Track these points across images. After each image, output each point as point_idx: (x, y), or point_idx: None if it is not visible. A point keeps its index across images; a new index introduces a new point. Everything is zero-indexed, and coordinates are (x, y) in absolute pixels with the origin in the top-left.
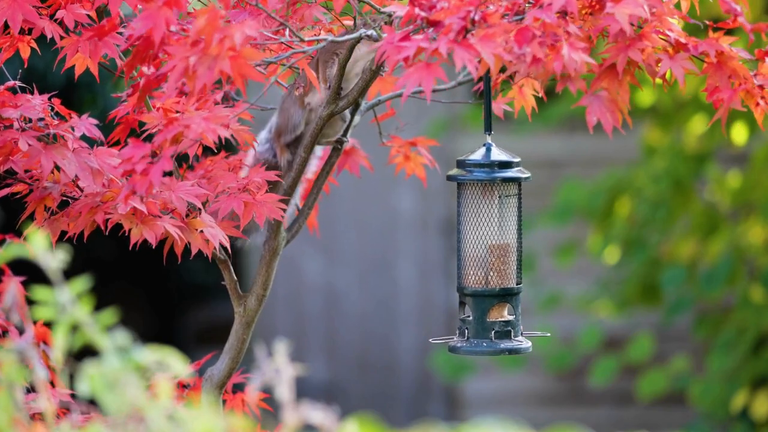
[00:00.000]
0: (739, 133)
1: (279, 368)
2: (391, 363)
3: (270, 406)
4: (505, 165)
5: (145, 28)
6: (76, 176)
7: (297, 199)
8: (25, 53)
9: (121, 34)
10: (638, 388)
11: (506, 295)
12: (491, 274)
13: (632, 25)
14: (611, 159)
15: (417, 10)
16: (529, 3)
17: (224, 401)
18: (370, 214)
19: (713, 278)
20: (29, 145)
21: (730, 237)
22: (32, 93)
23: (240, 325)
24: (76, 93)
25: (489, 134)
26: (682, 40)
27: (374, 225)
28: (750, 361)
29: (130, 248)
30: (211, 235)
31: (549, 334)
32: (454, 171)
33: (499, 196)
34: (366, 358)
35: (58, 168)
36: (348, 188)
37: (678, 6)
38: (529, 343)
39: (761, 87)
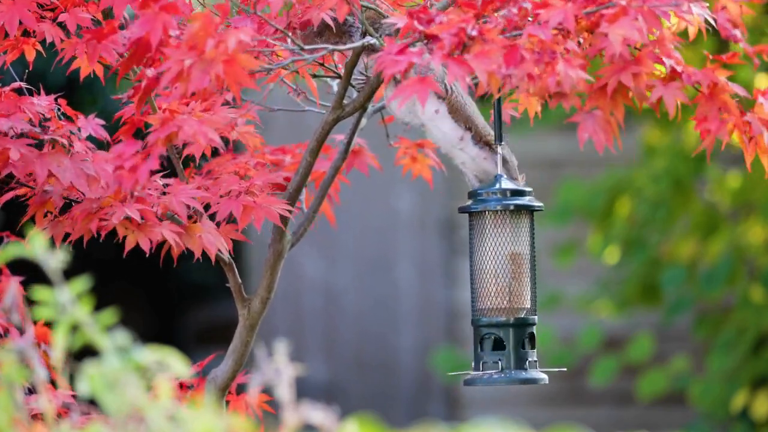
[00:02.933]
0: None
1: (279, 368)
2: (390, 363)
3: (272, 408)
4: (517, 193)
5: (143, 31)
6: (71, 183)
7: (302, 202)
8: (30, 55)
9: (122, 31)
10: (638, 388)
11: (521, 326)
12: (504, 304)
13: (630, 46)
14: (611, 159)
15: (415, 23)
16: (529, 18)
17: (228, 403)
18: (369, 213)
19: (713, 278)
20: (21, 153)
21: (730, 237)
22: (38, 94)
23: (244, 328)
24: (76, 94)
25: (500, 144)
26: (678, 68)
27: (373, 225)
28: (750, 361)
29: (125, 255)
30: (209, 241)
31: (566, 369)
32: (465, 204)
33: (511, 225)
34: (365, 358)
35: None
36: (347, 188)
37: (684, 34)
38: (545, 376)
39: (748, 123)
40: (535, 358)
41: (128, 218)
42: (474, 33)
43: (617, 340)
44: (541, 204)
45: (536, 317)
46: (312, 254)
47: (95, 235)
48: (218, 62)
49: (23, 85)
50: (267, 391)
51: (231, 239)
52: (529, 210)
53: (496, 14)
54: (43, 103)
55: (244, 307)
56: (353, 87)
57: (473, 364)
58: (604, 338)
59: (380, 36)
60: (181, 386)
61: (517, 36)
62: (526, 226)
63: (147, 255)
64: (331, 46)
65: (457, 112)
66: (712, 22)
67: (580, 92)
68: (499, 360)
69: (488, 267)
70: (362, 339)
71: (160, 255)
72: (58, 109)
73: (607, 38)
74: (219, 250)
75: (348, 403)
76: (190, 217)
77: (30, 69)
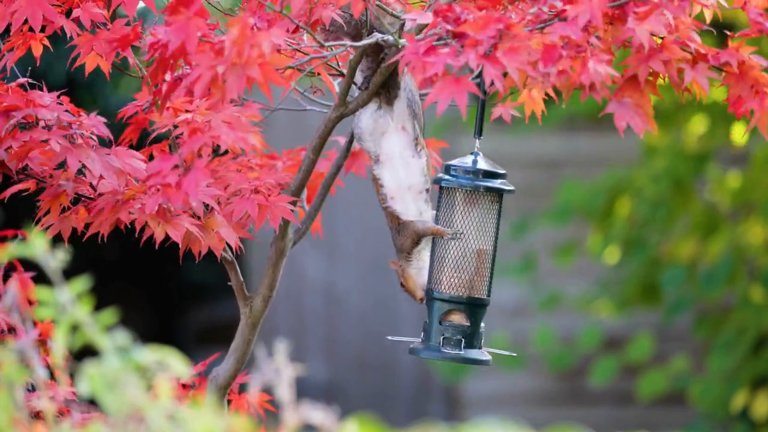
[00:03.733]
0: (739, 134)
1: (279, 368)
2: (391, 363)
3: (273, 407)
4: (490, 175)
5: (179, 39)
6: (100, 175)
7: (303, 201)
8: (38, 51)
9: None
10: (638, 388)
11: (472, 305)
12: (463, 282)
13: (653, 35)
14: (611, 159)
15: (442, 21)
16: (552, 11)
17: (229, 402)
18: (370, 213)
19: (713, 278)
20: (59, 144)
21: (730, 237)
22: (41, 90)
23: (246, 326)
24: (76, 93)
25: (478, 138)
26: (702, 51)
27: (374, 225)
28: (750, 361)
29: (156, 246)
30: (227, 235)
31: (516, 354)
32: (439, 175)
33: (480, 205)
34: (366, 358)
35: (80, 169)
36: (348, 188)
37: (700, 17)
38: (488, 357)
39: None
40: (483, 339)
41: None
42: (501, 28)
43: (617, 340)
44: (512, 188)
45: (490, 299)
46: (313, 254)
47: (120, 227)
48: (253, 66)
49: (27, 80)
50: (268, 390)
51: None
52: (499, 192)
53: (517, 8)
54: (47, 99)
55: (246, 306)
56: (356, 85)
57: (423, 335)
58: (604, 338)
59: (395, 33)
60: (183, 386)
61: (541, 29)
62: (494, 209)
63: (180, 248)
64: (350, 43)
65: (428, 162)
66: (725, 5)
67: (609, 84)
68: (454, 336)
69: (452, 244)
70: (363, 339)
71: (164, 254)
72: (60, 105)
73: (630, 29)
74: (223, 248)
75: (348, 403)
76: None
77: (37, 65)
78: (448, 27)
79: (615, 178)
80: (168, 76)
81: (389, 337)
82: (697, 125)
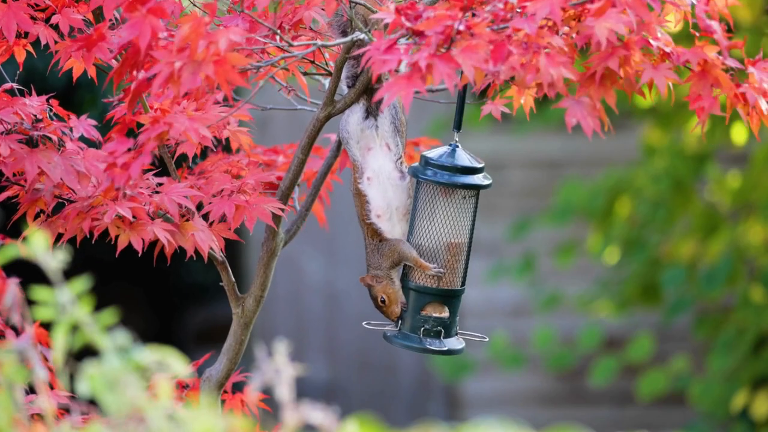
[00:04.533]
0: (739, 134)
1: (279, 368)
2: (391, 363)
3: (269, 406)
4: (468, 171)
5: (131, 36)
6: (61, 179)
7: (295, 200)
8: (21, 57)
9: (112, 30)
10: (638, 388)
11: (448, 296)
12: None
13: (616, 33)
14: (611, 159)
15: (403, 19)
16: (517, 10)
17: (223, 401)
18: None
19: (713, 278)
20: (11, 149)
21: (730, 237)
22: (30, 94)
23: (238, 326)
24: (76, 93)
25: (457, 132)
26: (667, 49)
27: None
28: (750, 361)
29: (117, 255)
30: (201, 240)
31: (486, 338)
32: (416, 165)
33: (457, 199)
34: (366, 358)
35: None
36: (347, 187)
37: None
38: (463, 344)
39: (743, 95)
40: (457, 327)
41: (120, 217)
42: (461, 28)
43: (617, 340)
44: (490, 181)
45: (465, 288)
46: (313, 254)
47: (87, 235)
48: (209, 63)
49: (15, 86)
50: (267, 390)
51: (224, 239)
52: (477, 188)
53: (484, 9)
54: (35, 103)
55: (238, 306)
56: (345, 84)
57: (399, 322)
58: (604, 338)
59: (369, 31)
60: (178, 385)
61: (504, 29)
62: (471, 203)
63: (139, 254)
64: (320, 42)
65: (411, 181)
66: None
67: (571, 82)
68: (433, 328)
69: (426, 235)
70: (363, 339)
71: (156, 254)
72: (50, 110)
73: (590, 27)
74: (212, 249)
75: (348, 403)
76: (182, 216)
77: (22, 70)
78: (408, 24)
79: (615, 178)
80: (141, 75)
81: (365, 323)
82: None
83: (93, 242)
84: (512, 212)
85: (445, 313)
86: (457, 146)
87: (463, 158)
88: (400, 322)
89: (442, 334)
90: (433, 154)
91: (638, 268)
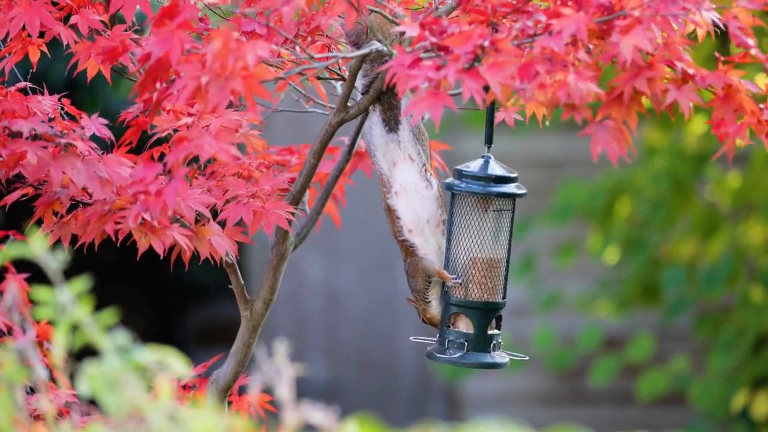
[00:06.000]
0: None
1: (279, 368)
2: (391, 363)
3: (274, 407)
4: (502, 180)
5: (162, 50)
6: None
7: (305, 204)
8: (35, 56)
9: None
10: (638, 388)
11: (489, 310)
12: (478, 286)
13: (641, 52)
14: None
15: (427, 33)
16: (540, 25)
17: (230, 404)
18: (370, 214)
19: (713, 278)
20: (38, 156)
21: (730, 237)
22: (42, 94)
23: (246, 329)
24: (76, 94)
25: (489, 147)
26: (690, 71)
27: (375, 225)
28: (750, 361)
29: (138, 258)
30: (218, 244)
31: (527, 358)
32: (450, 180)
33: (494, 211)
34: (366, 358)
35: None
36: (350, 189)
37: (693, 37)
38: (507, 359)
39: (766, 121)
40: (500, 341)
41: (141, 221)
42: (486, 44)
43: (617, 340)
44: (524, 191)
45: (506, 301)
46: (315, 256)
47: (112, 238)
48: (236, 77)
49: (28, 84)
50: (269, 391)
51: (234, 241)
52: (512, 197)
53: (506, 23)
54: (47, 102)
55: (246, 309)
56: (357, 90)
57: (439, 338)
58: (604, 338)
59: (389, 43)
60: (183, 387)
61: (528, 44)
62: (507, 214)
63: (161, 257)
64: (341, 54)
65: (439, 190)
66: (720, 25)
67: (592, 102)
68: (465, 341)
69: (464, 249)
70: (363, 339)
71: (165, 256)
72: (62, 109)
73: (615, 44)
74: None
75: (348, 403)
76: (197, 221)
77: (34, 70)
78: (433, 40)
79: (615, 178)
80: (159, 85)
81: (412, 338)
82: (697, 126)
83: (100, 243)
84: None
85: (495, 329)
86: (490, 158)
87: (496, 168)
88: (438, 338)
89: (466, 347)
90: (466, 166)
91: (638, 268)
